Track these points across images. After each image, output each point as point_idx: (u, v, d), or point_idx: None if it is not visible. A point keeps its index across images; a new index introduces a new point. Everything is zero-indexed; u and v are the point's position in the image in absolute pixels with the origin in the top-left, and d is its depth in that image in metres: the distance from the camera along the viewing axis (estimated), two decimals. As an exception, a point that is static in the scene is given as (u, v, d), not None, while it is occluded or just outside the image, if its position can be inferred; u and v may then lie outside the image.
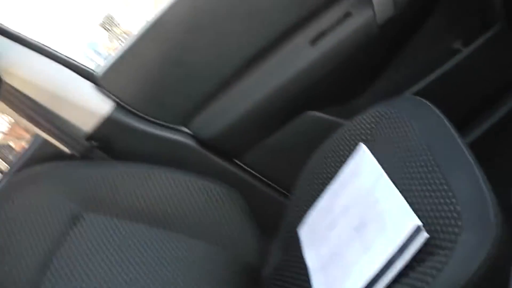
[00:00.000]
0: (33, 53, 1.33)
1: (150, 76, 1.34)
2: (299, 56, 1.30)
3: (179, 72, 1.33)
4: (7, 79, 1.29)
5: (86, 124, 1.34)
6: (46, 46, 1.35)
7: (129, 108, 1.36)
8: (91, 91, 1.35)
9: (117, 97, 1.35)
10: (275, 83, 1.32)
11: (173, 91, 1.35)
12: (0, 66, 1.28)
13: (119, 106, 1.35)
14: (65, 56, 1.36)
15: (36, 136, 1.41)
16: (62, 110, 1.33)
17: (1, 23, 1.33)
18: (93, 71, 1.36)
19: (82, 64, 1.36)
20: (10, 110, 1.33)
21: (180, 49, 1.31)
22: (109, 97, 1.35)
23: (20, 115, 1.32)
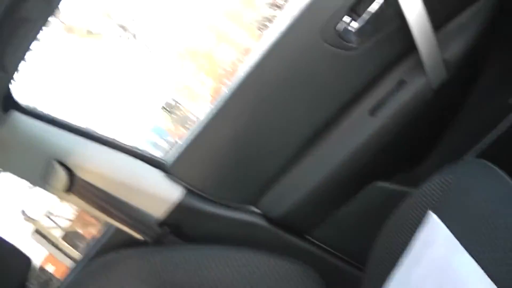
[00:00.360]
0: (103, 147, 1.39)
1: (218, 160, 1.37)
2: (361, 127, 1.31)
3: (245, 154, 1.36)
4: (80, 174, 1.36)
5: (158, 211, 1.38)
6: (115, 140, 1.42)
7: (199, 192, 1.40)
8: (161, 179, 1.39)
9: (187, 183, 1.39)
10: (339, 156, 1.33)
11: (241, 173, 1.39)
12: (73, 162, 1.36)
13: (189, 191, 1.39)
14: (134, 147, 1.42)
15: (109, 224, 1.46)
16: (133, 199, 1.38)
17: (72, 121, 1.41)
18: (163, 160, 1.41)
19: (151, 154, 1.42)
20: (83, 203, 1.39)
21: (245, 131, 1.34)
22: (179, 183, 1.39)
23: (93, 206, 1.38)
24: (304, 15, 1.25)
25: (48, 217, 12.57)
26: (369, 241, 1.14)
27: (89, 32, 9.80)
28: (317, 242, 1.44)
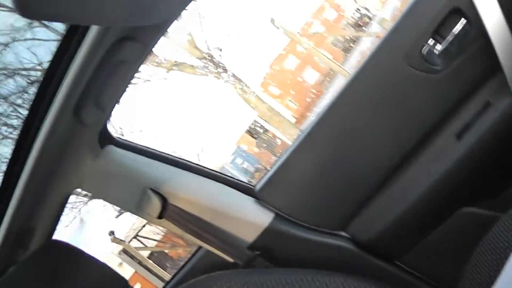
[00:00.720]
0: (194, 175, 1.46)
1: (307, 185, 1.41)
2: (448, 152, 1.30)
3: (334, 179, 1.38)
4: (173, 201, 1.43)
5: (248, 234, 1.43)
6: (206, 168, 1.48)
7: (288, 217, 1.42)
8: (251, 204, 1.44)
9: (276, 208, 1.43)
10: (427, 181, 1.32)
11: (330, 198, 1.41)
12: (166, 190, 1.43)
13: (278, 216, 1.42)
14: (224, 175, 1.48)
15: (198, 247, 1.52)
16: (224, 223, 1.43)
17: (163, 151, 1.49)
18: (252, 185, 1.46)
19: (240, 181, 1.47)
20: (175, 228, 1.46)
21: (333, 157, 1.37)
22: (268, 208, 1.43)
23: (185, 231, 1.45)
24: (389, 39, 1.27)
25: (136, 238, 13.01)
26: (458, 267, 1.13)
27: (176, 64, 10.15)
28: (405, 268, 1.43)
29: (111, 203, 1.54)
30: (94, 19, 0.86)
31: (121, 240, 12.08)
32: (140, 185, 1.44)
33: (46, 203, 1.45)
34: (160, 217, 1.44)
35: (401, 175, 1.35)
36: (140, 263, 11.99)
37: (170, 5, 0.93)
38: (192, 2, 1.04)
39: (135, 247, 12.43)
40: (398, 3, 13.93)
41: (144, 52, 1.22)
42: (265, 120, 13.01)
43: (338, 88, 1.32)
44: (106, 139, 1.42)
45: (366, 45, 14.15)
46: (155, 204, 1.42)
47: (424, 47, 1.24)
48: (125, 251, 12.13)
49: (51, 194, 1.44)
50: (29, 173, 1.33)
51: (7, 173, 1.39)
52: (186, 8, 1.16)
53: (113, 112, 1.36)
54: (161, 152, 1.48)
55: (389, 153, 1.34)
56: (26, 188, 1.35)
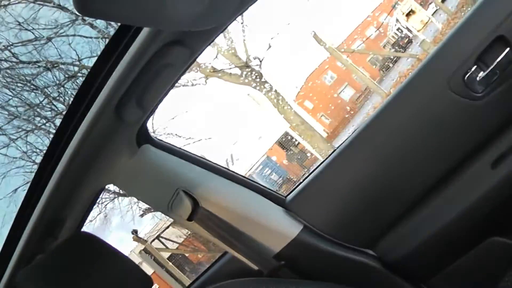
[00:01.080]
0: (227, 181, 1.47)
1: (338, 200, 1.41)
2: (482, 180, 1.30)
3: (366, 197, 1.38)
4: (204, 204, 1.44)
5: (275, 244, 1.43)
6: (238, 174, 1.49)
7: (316, 230, 1.42)
8: (280, 214, 1.44)
9: (305, 220, 1.43)
10: (458, 207, 1.32)
11: (361, 215, 1.40)
12: (198, 193, 1.44)
13: (306, 228, 1.42)
14: (257, 183, 1.49)
15: (223, 252, 1.53)
16: (252, 231, 1.44)
17: (198, 155, 1.50)
18: (282, 195, 1.46)
19: (271, 190, 1.48)
20: (204, 231, 1.47)
21: (368, 174, 1.37)
22: (297, 220, 1.43)
23: (213, 235, 1.46)
24: (432, 62, 1.27)
25: (158, 239, 13.10)
26: None
27: (215, 70, 10.24)
28: None
29: (143, 201, 1.56)
30: (150, 21, 0.88)
31: (143, 239, 12.18)
32: (174, 186, 1.45)
33: (79, 196, 1.47)
34: (189, 219, 1.45)
35: (434, 199, 1.35)
36: (159, 264, 12.06)
37: (223, 12, 0.94)
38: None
39: (156, 248, 12.51)
40: (440, 25, 13.83)
41: (191, 57, 1.23)
42: (297, 133, 13.01)
43: (378, 106, 1.33)
44: (144, 138, 1.44)
45: (405, 66, 14.06)
46: (187, 206, 1.43)
47: (467, 73, 1.23)
48: (146, 251, 12.21)
49: (84, 187, 1.46)
50: (65, 164, 1.35)
51: (43, 163, 1.41)
52: (237, 17, 1.17)
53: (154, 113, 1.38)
54: (196, 155, 1.49)
55: (423, 175, 1.34)
56: (61, 179, 1.37)
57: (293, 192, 1.45)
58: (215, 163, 1.51)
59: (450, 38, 1.26)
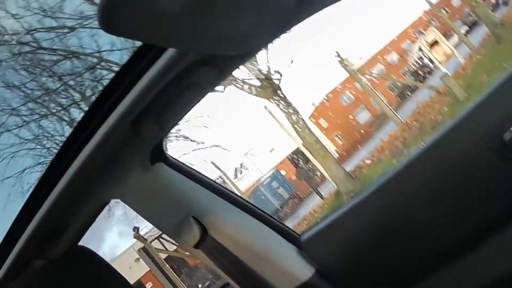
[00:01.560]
0: (241, 211, 1.40)
1: (355, 249, 1.33)
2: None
3: (384, 250, 1.31)
4: (213, 233, 1.37)
5: (283, 285, 1.35)
6: (253, 205, 1.42)
7: (328, 275, 1.35)
8: (293, 254, 1.36)
9: (318, 263, 1.35)
10: (484, 276, 1.25)
11: (376, 268, 1.33)
12: (208, 221, 1.37)
13: (318, 272, 1.35)
14: (272, 217, 1.42)
15: (227, 283, 1.44)
16: (261, 268, 1.36)
17: (212, 179, 1.43)
18: (297, 234, 1.39)
19: (287, 227, 1.40)
20: (208, 260, 1.39)
21: (388, 227, 1.29)
22: (310, 262, 1.36)
23: (218, 266, 1.38)
24: (470, 118, 1.19)
25: (158, 239, 13.14)
26: None
27: (233, 79, 10.29)
28: None
29: (148, 220, 1.49)
30: (181, 44, 0.85)
31: (143, 238, 12.22)
32: (184, 210, 1.38)
33: (83, 206, 1.40)
34: (196, 246, 1.38)
35: (455, 263, 1.27)
36: (156, 264, 12.09)
37: (258, 37, 0.90)
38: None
39: (155, 248, 12.55)
40: (462, 60, 13.83)
41: (218, 78, 1.18)
42: (309, 151, 12.99)
43: (407, 155, 1.26)
44: (158, 156, 1.38)
45: (422, 97, 14.02)
46: (195, 233, 1.36)
47: (506, 133, 1.16)
48: (144, 250, 12.26)
49: (89, 199, 1.39)
50: (73, 172, 1.28)
51: (51, 167, 1.35)
52: (273, 42, 1.11)
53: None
54: (211, 180, 1.43)
55: (447, 236, 1.27)
56: (67, 187, 1.30)
57: (309, 232, 1.38)
58: (229, 190, 1.44)
59: (492, 93, 1.18)
